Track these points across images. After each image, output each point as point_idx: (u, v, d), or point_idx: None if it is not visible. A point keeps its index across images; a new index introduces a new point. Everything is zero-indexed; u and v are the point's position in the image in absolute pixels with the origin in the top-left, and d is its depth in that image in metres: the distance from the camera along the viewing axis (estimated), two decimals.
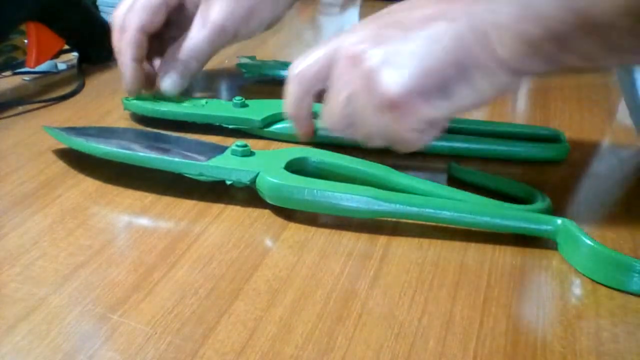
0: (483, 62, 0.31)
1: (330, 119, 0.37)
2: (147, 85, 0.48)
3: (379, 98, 0.33)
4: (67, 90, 0.51)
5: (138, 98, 0.47)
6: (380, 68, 0.32)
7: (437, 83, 0.32)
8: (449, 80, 0.32)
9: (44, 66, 0.54)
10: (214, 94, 0.54)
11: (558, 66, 0.30)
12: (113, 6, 0.67)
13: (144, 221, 0.35)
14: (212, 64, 0.57)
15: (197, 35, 0.45)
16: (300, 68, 0.36)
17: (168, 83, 0.46)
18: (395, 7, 0.34)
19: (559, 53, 0.29)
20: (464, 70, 0.31)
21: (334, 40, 0.35)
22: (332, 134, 0.37)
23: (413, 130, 0.34)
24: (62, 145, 0.41)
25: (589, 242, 0.31)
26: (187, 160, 0.36)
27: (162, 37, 0.48)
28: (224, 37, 0.46)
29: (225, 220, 0.35)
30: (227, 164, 0.36)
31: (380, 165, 0.38)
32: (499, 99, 0.53)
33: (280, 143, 0.44)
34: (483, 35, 0.30)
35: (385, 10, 0.35)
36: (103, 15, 0.63)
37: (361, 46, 0.33)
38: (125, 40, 0.46)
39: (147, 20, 0.45)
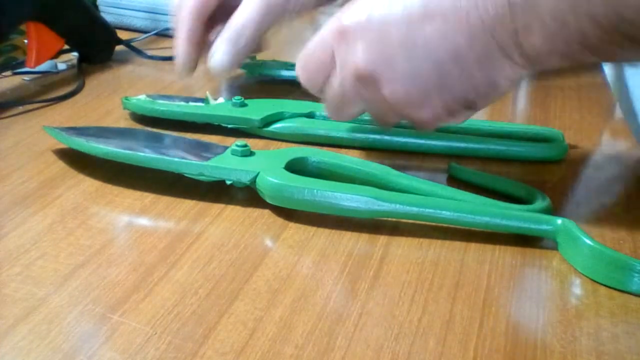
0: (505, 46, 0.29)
1: (342, 104, 0.36)
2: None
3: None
4: (67, 90, 0.51)
5: (145, 98, 0.47)
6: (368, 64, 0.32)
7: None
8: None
9: (44, 66, 0.54)
10: (213, 93, 0.54)
11: (575, 63, 0.29)
12: (113, 6, 0.67)
13: (144, 221, 0.35)
14: None
15: (244, 8, 0.44)
16: (301, 64, 0.36)
17: (215, 61, 0.45)
18: None
19: (589, 56, 0.28)
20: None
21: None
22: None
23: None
24: (62, 145, 0.41)
25: (589, 242, 0.31)
26: (187, 160, 0.36)
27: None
28: (274, 8, 0.44)
29: (225, 220, 0.35)
30: (227, 164, 0.36)
31: (380, 165, 0.38)
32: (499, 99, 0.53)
33: (280, 143, 0.44)
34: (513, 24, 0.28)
35: None
36: (103, 15, 0.63)
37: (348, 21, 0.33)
38: (178, 19, 0.45)
39: (200, 1, 0.45)
